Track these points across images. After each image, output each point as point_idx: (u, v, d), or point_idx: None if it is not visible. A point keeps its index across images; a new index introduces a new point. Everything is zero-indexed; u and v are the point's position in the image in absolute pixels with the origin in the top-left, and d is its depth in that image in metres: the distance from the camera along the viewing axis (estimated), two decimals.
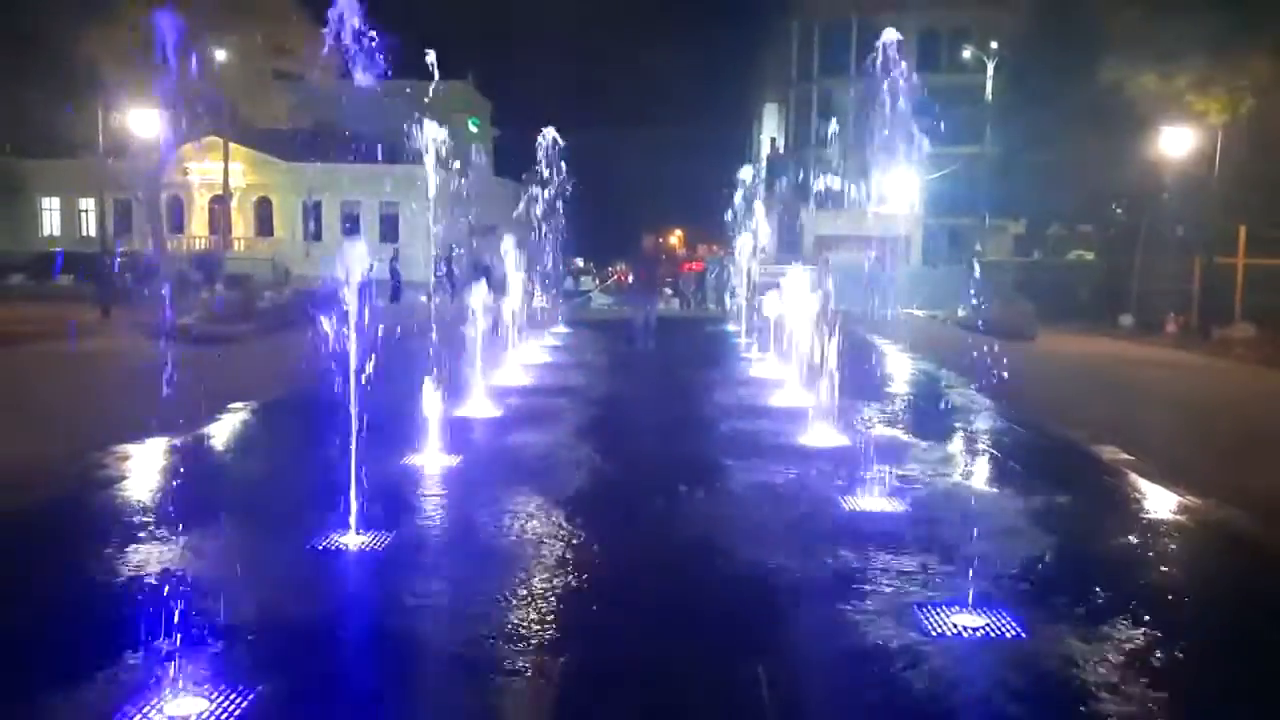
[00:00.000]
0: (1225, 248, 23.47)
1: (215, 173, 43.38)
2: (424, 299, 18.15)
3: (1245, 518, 6.85)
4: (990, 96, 38.23)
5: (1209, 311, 23.02)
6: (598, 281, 37.98)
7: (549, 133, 22.31)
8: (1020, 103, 32.71)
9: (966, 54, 42.37)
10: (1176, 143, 23.92)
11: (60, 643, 4.34)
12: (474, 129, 61.00)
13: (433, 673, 4.26)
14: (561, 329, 21.73)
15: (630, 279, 18.98)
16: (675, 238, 72.81)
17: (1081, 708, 3.93)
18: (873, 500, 7.08)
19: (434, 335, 10.79)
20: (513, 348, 15.35)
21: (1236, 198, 23.17)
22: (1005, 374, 10.84)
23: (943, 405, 12.20)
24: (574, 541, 6.01)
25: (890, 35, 8.26)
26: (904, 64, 7.52)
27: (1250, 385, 15.18)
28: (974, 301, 25.75)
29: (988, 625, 4.68)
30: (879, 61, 7.94)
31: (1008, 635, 4.59)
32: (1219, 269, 23.72)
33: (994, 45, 39.02)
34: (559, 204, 23.19)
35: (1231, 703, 4.11)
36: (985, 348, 11.67)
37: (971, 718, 3.90)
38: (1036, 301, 23.62)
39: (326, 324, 5.86)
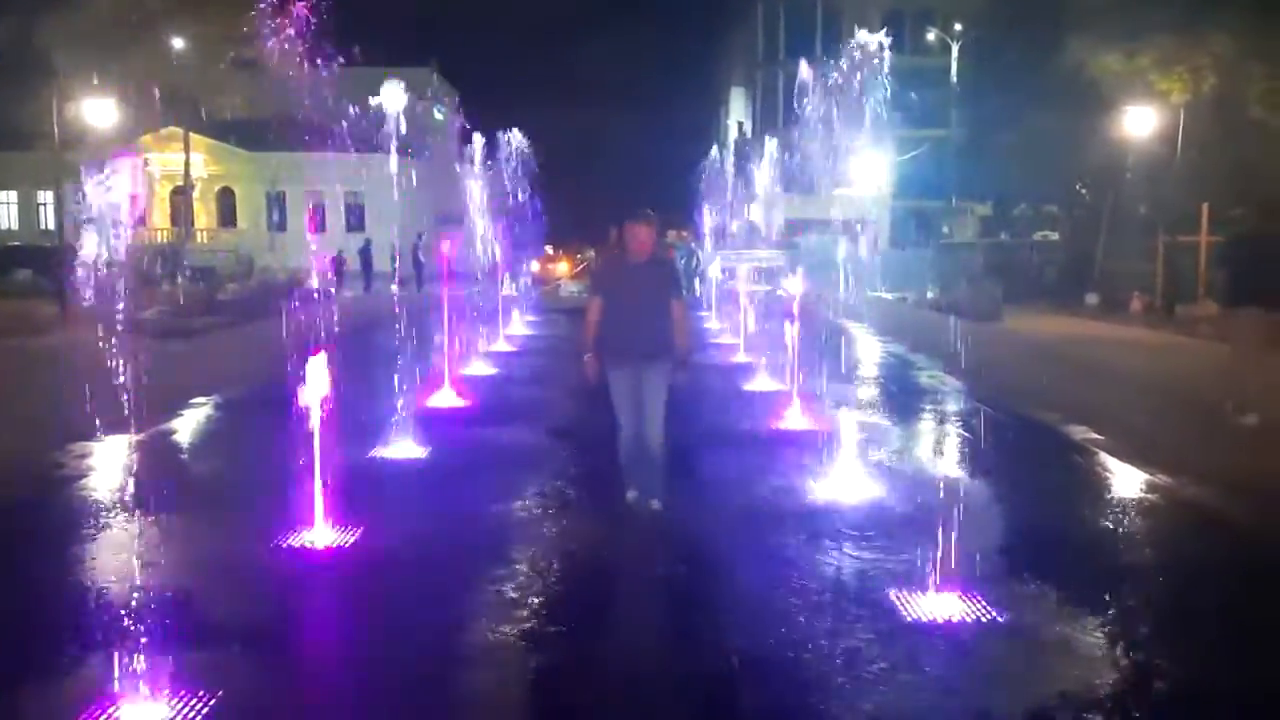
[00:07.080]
0: (1188, 226, 23.65)
1: (176, 163, 42.67)
2: (394, 288, 17.95)
3: (1213, 495, 6.92)
4: (955, 78, 38.34)
5: (1173, 290, 23.21)
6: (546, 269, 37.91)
7: (512, 120, 22.18)
8: (985, 85, 32.83)
9: (931, 36, 42.48)
10: (1139, 122, 24.06)
11: (20, 641, 4.22)
12: (439, 116, 60.34)
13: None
14: (531, 317, 21.90)
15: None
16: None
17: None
18: (840, 485, 7.04)
19: (401, 326, 10.59)
20: (481, 337, 15.28)
21: (1199, 176, 23.35)
22: (974, 355, 10.86)
23: (914, 388, 12.21)
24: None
25: (863, 36, 8.22)
26: (866, 51, 7.50)
27: (1213, 362, 15.27)
28: (941, 284, 25.84)
29: (968, 609, 4.71)
30: (846, 46, 7.92)
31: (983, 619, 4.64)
32: (1182, 247, 23.91)
33: (958, 27, 39.13)
34: (524, 191, 22.99)
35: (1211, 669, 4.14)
36: (953, 329, 11.70)
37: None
38: (1003, 282, 23.75)
39: (292, 317, 5.73)
